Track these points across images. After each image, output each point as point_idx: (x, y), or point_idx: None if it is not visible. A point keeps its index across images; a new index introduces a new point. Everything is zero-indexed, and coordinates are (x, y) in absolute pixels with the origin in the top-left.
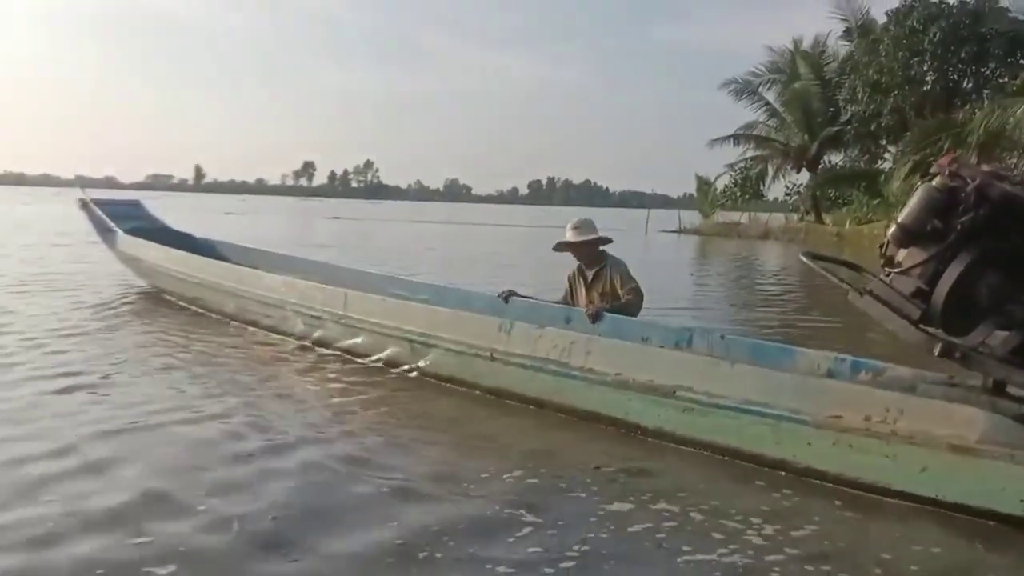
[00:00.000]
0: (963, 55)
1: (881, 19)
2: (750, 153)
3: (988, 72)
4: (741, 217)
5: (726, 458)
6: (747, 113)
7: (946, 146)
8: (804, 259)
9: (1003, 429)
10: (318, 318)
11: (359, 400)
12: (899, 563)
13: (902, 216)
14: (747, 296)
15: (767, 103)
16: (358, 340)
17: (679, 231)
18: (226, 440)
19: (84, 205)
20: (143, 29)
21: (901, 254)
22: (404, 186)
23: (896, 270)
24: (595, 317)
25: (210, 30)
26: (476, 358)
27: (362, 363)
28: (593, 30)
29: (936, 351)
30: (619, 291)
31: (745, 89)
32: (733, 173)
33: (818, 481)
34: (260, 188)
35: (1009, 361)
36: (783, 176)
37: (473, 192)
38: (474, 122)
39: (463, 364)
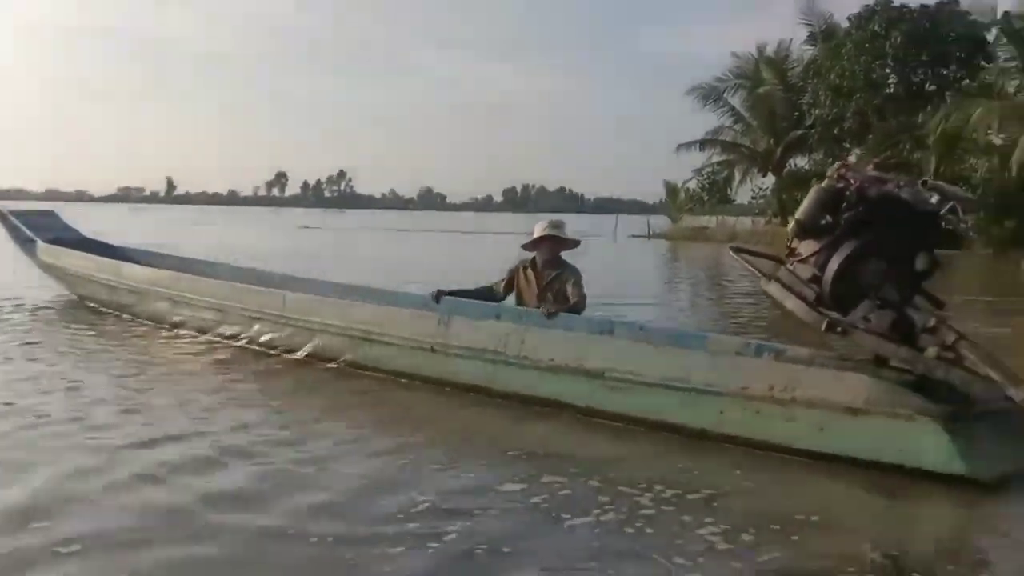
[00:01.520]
0: (924, 58)
1: (844, 24)
2: (717, 158)
3: (949, 74)
4: (709, 221)
5: (648, 431)
6: (716, 118)
7: (907, 148)
8: (731, 253)
9: (886, 392)
10: (257, 319)
11: (301, 399)
12: (778, 513)
13: (798, 213)
14: (707, 293)
15: (733, 108)
16: (299, 339)
17: (648, 236)
18: (161, 439)
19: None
20: (113, 43)
21: (801, 246)
22: (378, 195)
23: (796, 259)
24: (550, 316)
25: (182, 43)
26: (417, 351)
27: (301, 360)
28: (568, 39)
29: (823, 327)
30: (569, 296)
31: (711, 94)
32: (700, 178)
33: (729, 445)
34: (232, 199)
35: (881, 334)
36: (750, 180)
37: (448, 200)
38: (449, 130)
39: (404, 357)
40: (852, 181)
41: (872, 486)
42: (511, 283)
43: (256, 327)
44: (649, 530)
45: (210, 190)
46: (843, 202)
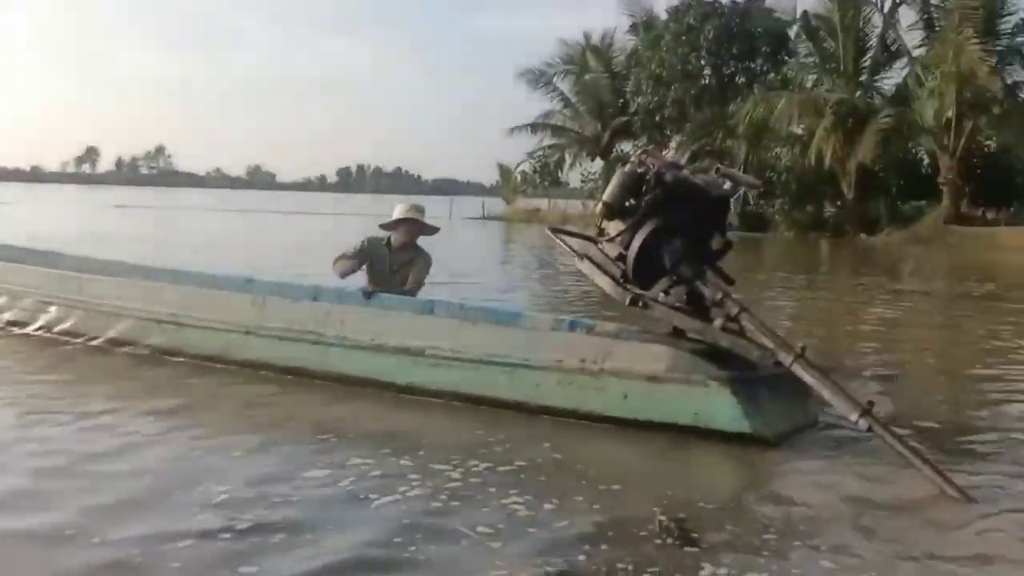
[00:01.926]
0: (734, 51)
1: (664, 16)
2: (548, 141)
3: (756, 67)
4: (542, 204)
5: (468, 406)
6: (547, 103)
7: (720, 136)
8: (548, 233)
9: (682, 361)
10: (55, 305)
11: (101, 388)
12: (582, 482)
13: (605, 195)
14: (539, 273)
15: (562, 93)
16: (102, 325)
17: (483, 217)
18: None
19: None
20: None
21: (609, 226)
22: (202, 173)
23: (605, 239)
24: (368, 295)
25: None
26: (230, 333)
27: (104, 347)
28: (406, 17)
29: (627, 301)
30: (408, 280)
31: (541, 79)
32: (533, 161)
33: (546, 416)
34: (36, 175)
35: (676, 307)
36: (580, 164)
37: (278, 179)
38: (279, 107)
39: (216, 340)
40: (651, 166)
41: (670, 450)
42: (372, 258)
43: (55, 313)
44: (455, 503)
45: (10, 165)
46: (644, 185)
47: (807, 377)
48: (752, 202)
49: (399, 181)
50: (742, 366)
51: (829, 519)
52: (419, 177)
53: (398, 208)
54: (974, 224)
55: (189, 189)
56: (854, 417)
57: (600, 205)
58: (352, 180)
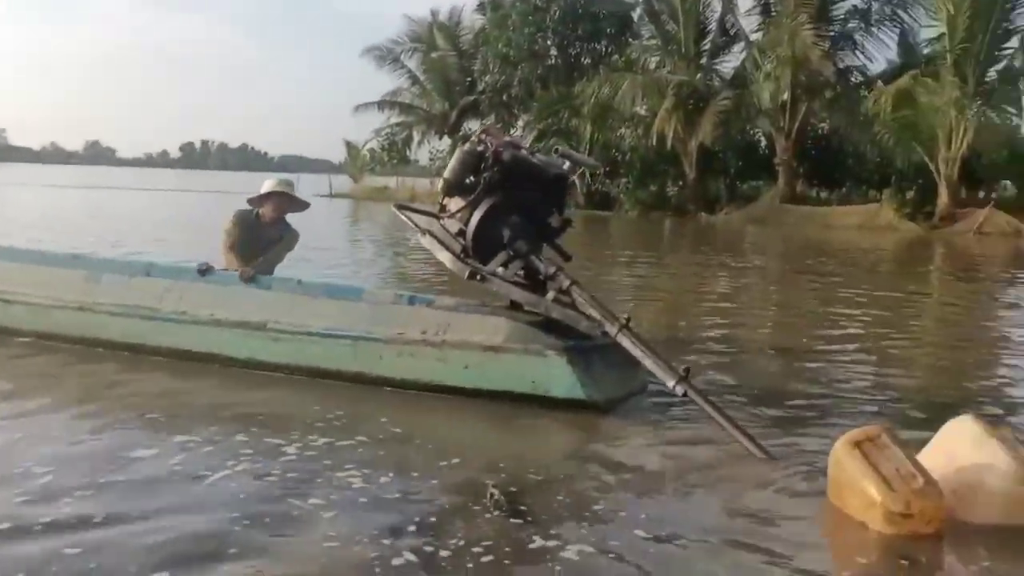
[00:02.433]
0: (580, 32)
1: None
2: (395, 119)
3: (601, 49)
4: (390, 181)
5: (312, 379)
6: (394, 80)
7: (566, 116)
8: (394, 210)
9: (520, 332)
10: None
11: None
12: (420, 457)
13: (446, 172)
14: (388, 250)
15: (410, 71)
16: None
17: (330, 195)
18: None
19: None
20: None
21: (450, 203)
22: (37, 148)
23: (447, 215)
24: (203, 272)
25: None
26: (63, 310)
27: None
28: None
29: (465, 275)
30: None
31: (387, 56)
32: (380, 139)
33: (389, 388)
34: None
35: (512, 281)
36: (428, 142)
37: (118, 155)
38: (119, 80)
39: (48, 316)
40: (490, 145)
41: (508, 421)
42: (247, 233)
43: None
44: (291, 475)
45: None
46: (483, 163)
47: (629, 346)
48: (597, 181)
49: (245, 157)
50: (577, 336)
51: (650, 484)
52: (265, 154)
53: (267, 183)
54: (808, 203)
55: (23, 164)
56: (671, 383)
57: (441, 182)
58: (196, 156)
